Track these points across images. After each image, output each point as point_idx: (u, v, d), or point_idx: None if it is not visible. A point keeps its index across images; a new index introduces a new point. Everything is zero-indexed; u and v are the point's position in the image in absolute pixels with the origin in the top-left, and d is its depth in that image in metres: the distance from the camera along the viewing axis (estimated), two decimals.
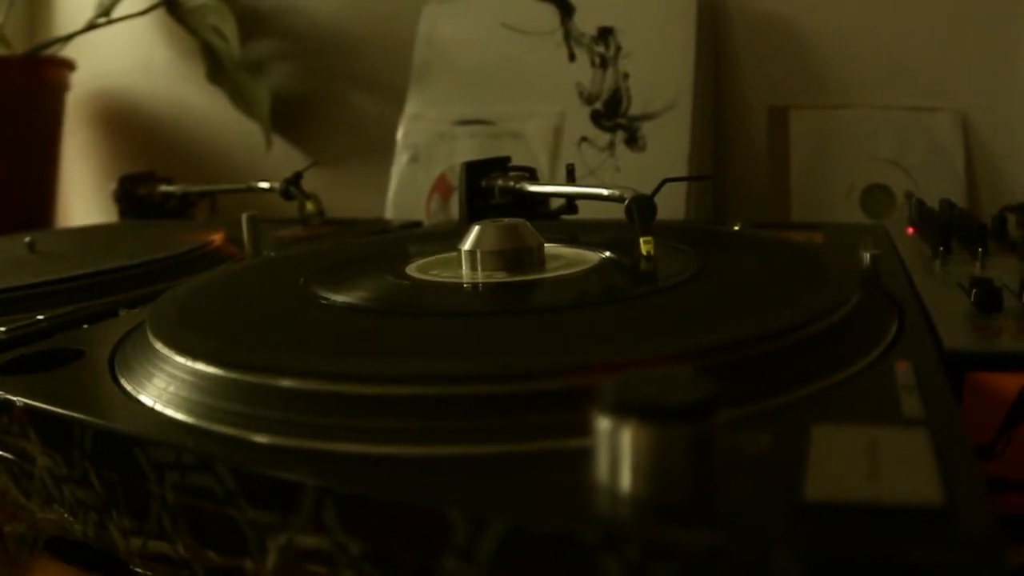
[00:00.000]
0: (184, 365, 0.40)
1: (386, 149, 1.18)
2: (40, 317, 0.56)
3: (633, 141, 1.04)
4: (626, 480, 0.26)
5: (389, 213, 1.15)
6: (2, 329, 0.53)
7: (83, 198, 1.61)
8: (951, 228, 0.63)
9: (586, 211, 0.77)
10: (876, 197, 1.02)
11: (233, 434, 0.35)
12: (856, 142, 1.03)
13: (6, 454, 0.42)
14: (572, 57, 1.09)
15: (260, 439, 0.34)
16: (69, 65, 1.46)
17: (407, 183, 1.14)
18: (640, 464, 0.26)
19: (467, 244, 0.55)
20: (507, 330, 0.43)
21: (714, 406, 0.25)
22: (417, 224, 1.02)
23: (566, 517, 0.26)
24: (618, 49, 1.07)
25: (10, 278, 0.64)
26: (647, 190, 0.60)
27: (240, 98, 1.34)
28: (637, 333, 0.42)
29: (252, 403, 0.36)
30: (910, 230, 0.75)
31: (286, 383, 0.35)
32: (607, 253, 0.58)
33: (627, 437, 0.26)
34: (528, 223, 0.56)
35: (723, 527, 0.24)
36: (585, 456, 0.28)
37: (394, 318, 0.47)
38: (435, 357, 0.39)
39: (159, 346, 0.42)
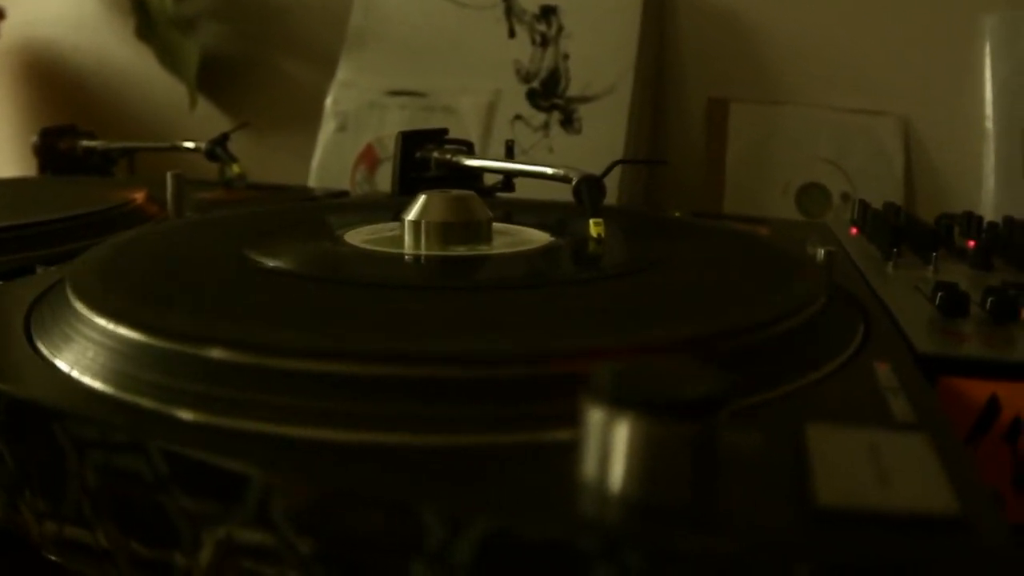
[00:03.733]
0: (110, 331, 0.36)
1: (312, 116, 1.16)
2: None
3: (569, 123, 1.03)
4: (617, 478, 0.24)
5: (312, 181, 1.13)
6: None
7: (2, 150, 1.56)
8: (903, 231, 0.62)
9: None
10: (812, 196, 1.02)
11: (157, 408, 0.31)
12: (796, 140, 1.03)
13: None
14: (512, 33, 1.08)
15: (194, 416, 0.31)
16: None
17: (333, 152, 1.12)
18: (636, 462, 0.23)
19: (412, 214, 0.52)
20: (478, 308, 0.41)
21: (723, 400, 0.23)
22: (344, 194, 0.99)
23: (558, 520, 0.23)
24: (560, 29, 1.06)
25: None
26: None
27: (167, 55, 1.32)
28: (619, 317, 0.39)
29: (185, 376, 0.32)
30: (854, 230, 0.74)
31: (227, 354, 0.32)
32: (551, 234, 0.56)
33: (623, 431, 0.23)
34: (477, 196, 0.53)
35: (734, 534, 0.22)
36: (563, 451, 0.26)
37: (346, 289, 0.44)
38: (401, 333, 0.36)
39: (80, 307, 0.38)
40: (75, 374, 0.35)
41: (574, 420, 0.25)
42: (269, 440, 0.29)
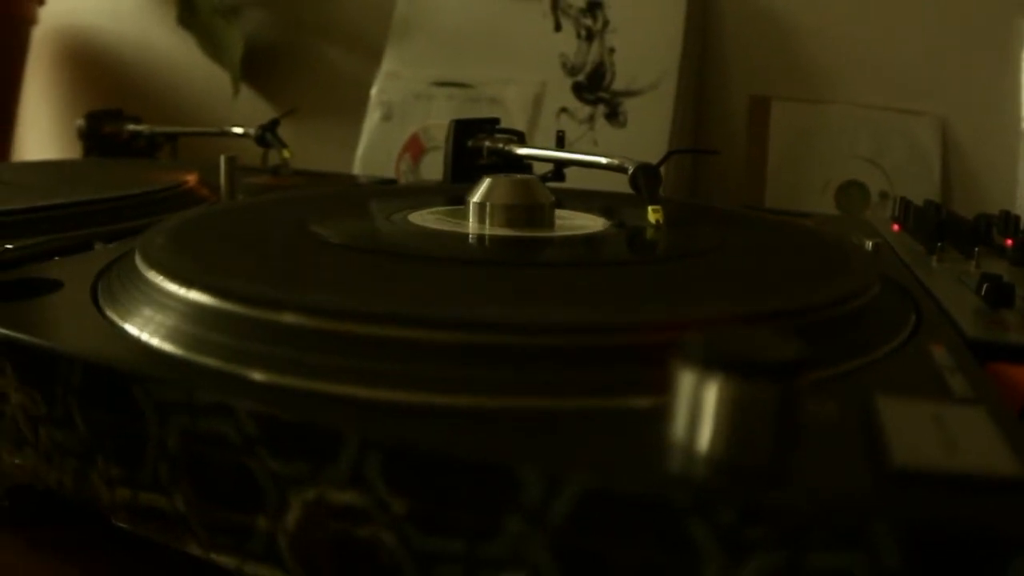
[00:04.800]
0: (183, 296, 0.37)
1: (356, 105, 1.17)
2: (9, 246, 0.52)
3: (614, 116, 1.04)
4: (705, 438, 0.25)
5: (357, 170, 1.14)
6: None
7: (39, 134, 1.57)
8: (945, 226, 0.63)
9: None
10: (851, 194, 1.02)
11: (234, 370, 0.32)
12: (835, 138, 1.04)
13: None
14: (558, 27, 1.09)
15: (279, 379, 0.31)
16: None
17: (378, 141, 1.13)
18: (723, 422, 0.25)
19: (477, 196, 0.53)
20: (556, 283, 0.42)
21: (804, 365, 0.24)
22: (392, 182, 1.00)
23: (654, 479, 0.25)
24: (606, 23, 1.07)
25: None
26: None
27: (210, 43, 1.32)
28: (697, 293, 0.41)
29: (273, 340, 0.33)
30: (896, 227, 0.75)
31: (318, 321, 0.33)
32: (607, 219, 0.57)
33: (712, 392, 0.25)
34: (539, 180, 0.55)
35: (816, 492, 0.24)
36: (651, 416, 0.27)
37: (419, 263, 0.45)
38: (484, 304, 0.37)
39: (152, 276, 0.39)
40: (145, 337, 0.35)
41: (655, 388, 0.27)
42: (354, 403, 0.30)
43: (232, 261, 0.44)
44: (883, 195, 1.00)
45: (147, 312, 0.37)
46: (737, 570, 0.23)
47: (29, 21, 1.43)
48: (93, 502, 0.35)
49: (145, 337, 0.36)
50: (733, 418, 0.25)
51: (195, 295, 0.36)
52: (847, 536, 0.23)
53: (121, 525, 0.35)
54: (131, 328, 0.37)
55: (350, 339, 0.33)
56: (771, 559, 0.23)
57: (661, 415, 0.27)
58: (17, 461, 0.38)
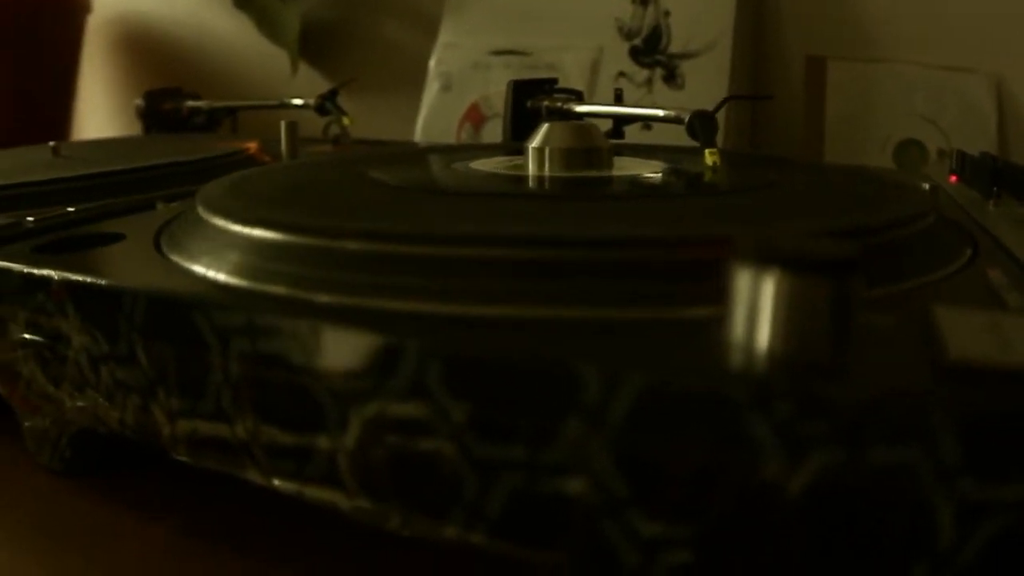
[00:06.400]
0: (246, 234, 0.38)
1: (414, 77, 1.18)
2: (70, 209, 0.53)
3: (671, 78, 1.04)
4: (763, 336, 0.25)
5: (418, 139, 1.14)
6: (30, 219, 0.49)
7: (99, 122, 1.59)
8: (1001, 174, 0.63)
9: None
10: (909, 152, 1.02)
11: (295, 295, 0.33)
12: (892, 97, 1.03)
13: (36, 337, 0.39)
14: None
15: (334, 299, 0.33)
16: None
17: (438, 111, 1.14)
18: (780, 318, 0.25)
19: (535, 142, 0.53)
20: (617, 209, 0.43)
21: (858, 263, 0.25)
22: None
23: (712, 375, 0.25)
24: None
25: (37, 176, 0.60)
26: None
27: (266, 23, 1.32)
28: (759, 216, 0.41)
29: (328, 266, 0.34)
30: (953, 178, 0.75)
31: (406, 247, 0.34)
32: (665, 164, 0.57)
33: (769, 289, 0.25)
34: (596, 125, 0.55)
35: (875, 386, 0.24)
36: (711, 323, 0.27)
37: (480, 198, 0.46)
38: (549, 224, 0.38)
39: (215, 220, 0.40)
40: (211, 274, 0.36)
41: (716, 299, 0.27)
42: (415, 316, 0.31)
43: (292, 200, 0.45)
44: (941, 153, 0.99)
45: (211, 253, 0.38)
46: (798, 466, 0.24)
47: (83, 9, 1.45)
48: (154, 438, 0.36)
49: (211, 274, 0.37)
50: (790, 314, 0.25)
51: (257, 232, 0.37)
52: (905, 430, 0.23)
53: (181, 459, 0.36)
54: (196, 268, 0.38)
55: (410, 260, 0.33)
56: (832, 454, 0.23)
57: (721, 322, 0.27)
58: (80, 404, 0.39)
